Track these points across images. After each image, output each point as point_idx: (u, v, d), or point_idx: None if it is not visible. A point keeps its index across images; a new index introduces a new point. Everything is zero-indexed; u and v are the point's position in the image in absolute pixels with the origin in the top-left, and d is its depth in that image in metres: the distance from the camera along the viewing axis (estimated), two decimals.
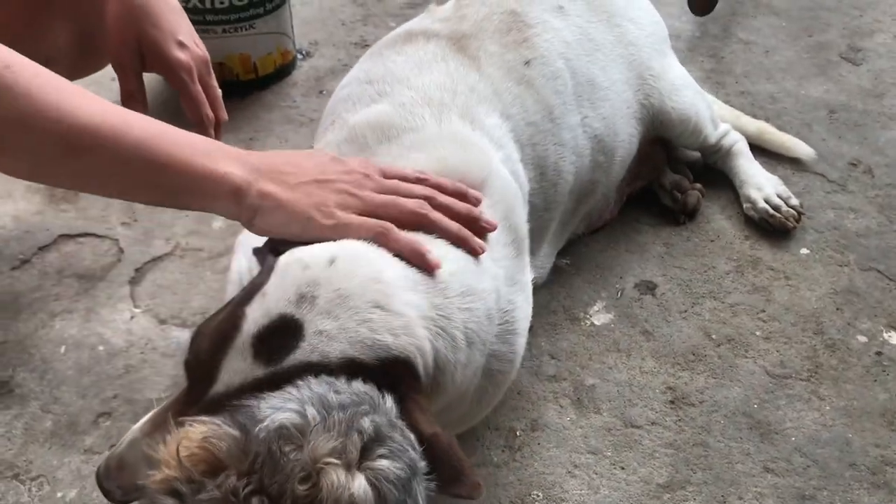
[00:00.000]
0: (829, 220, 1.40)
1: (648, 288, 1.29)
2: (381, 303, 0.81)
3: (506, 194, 1.01)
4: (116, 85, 1.10)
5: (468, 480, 0.75)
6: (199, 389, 0.79)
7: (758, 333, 1.22)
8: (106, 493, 0.80)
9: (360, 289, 0.81)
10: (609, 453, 1.07)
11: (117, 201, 1.46)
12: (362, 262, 0.83)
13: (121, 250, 1.37)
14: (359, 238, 0.86)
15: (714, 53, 1.82)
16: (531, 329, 1.22)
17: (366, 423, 0.67)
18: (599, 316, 1.25)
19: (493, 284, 0.95)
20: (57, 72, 1.24)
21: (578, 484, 1.04)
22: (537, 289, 1.27)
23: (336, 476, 0.62)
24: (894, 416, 1.12)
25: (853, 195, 1.46)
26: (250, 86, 1.73)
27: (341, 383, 0.71)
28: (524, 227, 1.03)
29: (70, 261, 1.35)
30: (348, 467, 0.64)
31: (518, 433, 1.09)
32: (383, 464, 0.65)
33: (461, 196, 0.94)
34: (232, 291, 1.09)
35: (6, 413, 1.12)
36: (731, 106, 1.62)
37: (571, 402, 1.13)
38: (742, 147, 1.48)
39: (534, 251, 1.23)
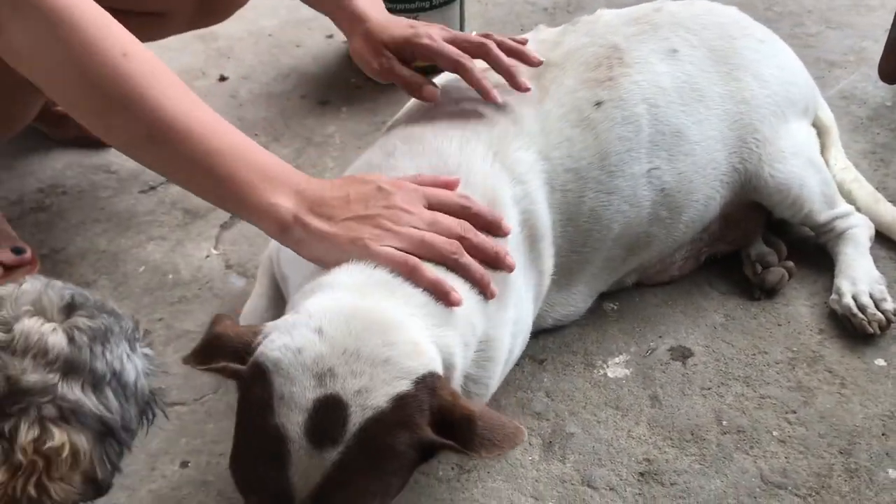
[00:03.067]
0: None
1: (683, 355, 1.22)
2: (387, 339, 0.86)
3: None
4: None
5: (513, 431, 0.85)
6: None
7: (774, 433, 1.11)
8: None
9: (360, 339, 0.85)
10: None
11: None
12: (343, 319, 0.87)
13: None
14: (388, 265, 0.93)
15: None
16: (542, 363, 1.22)
17: (66, 293, 0.78)
18: (616, 369, 1.20)
19: (462, 312, 0.97)
20: (175, 23, 1.40)
21: None
22: (568, 326, 1.26)
23: (30, 322, 0.74)
24: None
25: None
26: None
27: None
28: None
29: (187, 195, 1.53)
30: (43, 315, 0.75)
31: None
32: (79, 320, 0.76)
33: (496, 227, 1.02)
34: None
35: None
36: (885, 188, 1.45)
37: (542, 443, 1.11)
38: (858, 234, 1.32)
39: (563, 287, 1.21)
